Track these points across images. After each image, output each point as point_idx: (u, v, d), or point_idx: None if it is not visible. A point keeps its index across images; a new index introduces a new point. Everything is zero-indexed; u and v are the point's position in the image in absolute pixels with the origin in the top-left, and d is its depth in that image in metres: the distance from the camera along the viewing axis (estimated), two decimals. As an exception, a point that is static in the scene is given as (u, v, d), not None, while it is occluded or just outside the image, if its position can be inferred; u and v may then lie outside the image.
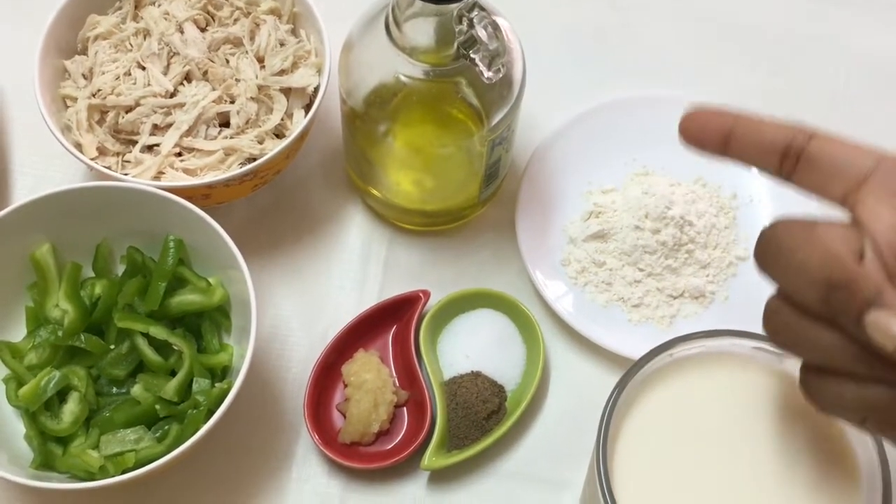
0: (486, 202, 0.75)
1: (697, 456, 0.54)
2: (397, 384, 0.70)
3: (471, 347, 0.70)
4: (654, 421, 0.54)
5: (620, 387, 0.54)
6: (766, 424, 0.54)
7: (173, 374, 0.66)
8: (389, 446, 0.68)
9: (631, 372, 0.54)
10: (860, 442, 0.53)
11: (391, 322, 0.72)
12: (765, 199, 0.76)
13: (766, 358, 0.56)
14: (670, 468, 0.53)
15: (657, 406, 0.55)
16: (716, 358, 0.56)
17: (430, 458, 0.66)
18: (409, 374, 0.70)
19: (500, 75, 0.62)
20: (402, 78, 0.64)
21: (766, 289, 0.72)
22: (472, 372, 0.69)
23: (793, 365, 0.55)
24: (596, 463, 0.52)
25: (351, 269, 0.74)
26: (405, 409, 0.69)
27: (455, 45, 0.62)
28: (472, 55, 0.61)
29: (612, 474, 0.52)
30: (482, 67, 0.61)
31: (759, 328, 0.55)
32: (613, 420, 0.53)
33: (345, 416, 0.68)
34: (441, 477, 0.68)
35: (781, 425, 0.54)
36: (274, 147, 0.69)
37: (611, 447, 0.53)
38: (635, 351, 0.69)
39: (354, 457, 0.67)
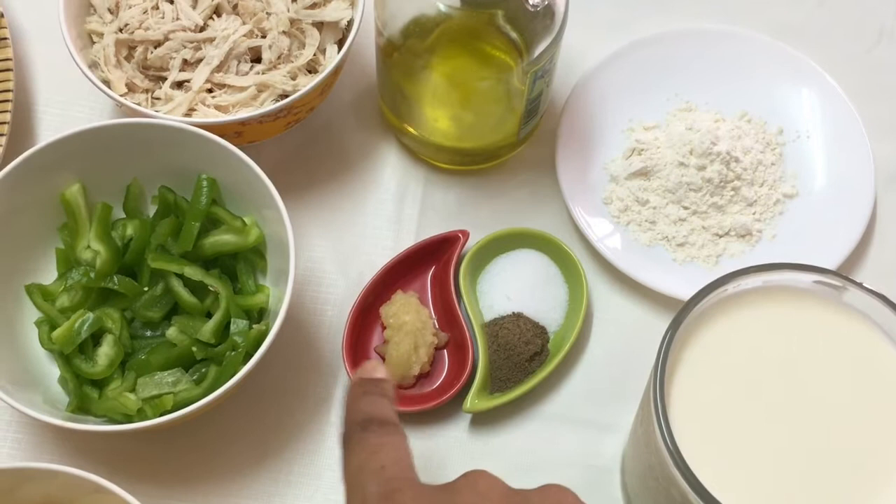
0: (525, 140, 0.73)
1: (757, 391, 0.52)
2: (437, 326, 0.68)
3: (512, 288, 0.69)
4: (711, 357, 0.53)
5: (676, 323, 0.52)
6: (826, 358, 0.53)
7: (209, 315, 0.64)
8: (430, 389, 0.67)
9: (688, 307, 0.53)
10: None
11: (429, 263, 0.70)
12: (813, 135, 0.73)
13: (826, 292, 0.54)
14: (729, 405, 0.52)
15: (714, 342, 0.53)
16: (774, 292, 0.54)
17: (473, 401, 0.64)
18: (449, 315, 0.68)
19: (546, 2, 0.60)
20: (442, 7, 0.61)
21: (815, 227, 0.71)
22: (514, 313, 0.68)
23: (852, 298, 0.53)
24: (653, 401, 0.51)
25: (386, 210, 0.72)
26: (445, 351, 0.68)
27: (499, -30, 0.59)
28: (516, -19, 0.59)
29: (669, 413, 0.51)
30: (527, -6, 0.59)
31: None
32: (670, 357, 0.52)
33: (384, 359, 0.67)
34: (483, 420, 0.66)
35: (841, 358, 0.53)
36: (307, 83, 0.67)
37: (667, 385, 0.52)
38: (680, 291, 0.67)
39: (395, 400, 0.65)
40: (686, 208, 0.70)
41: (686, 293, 0.63)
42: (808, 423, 0.51)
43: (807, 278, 0.54)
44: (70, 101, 0.74)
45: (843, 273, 0.69)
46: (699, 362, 0.53)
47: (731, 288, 0.54)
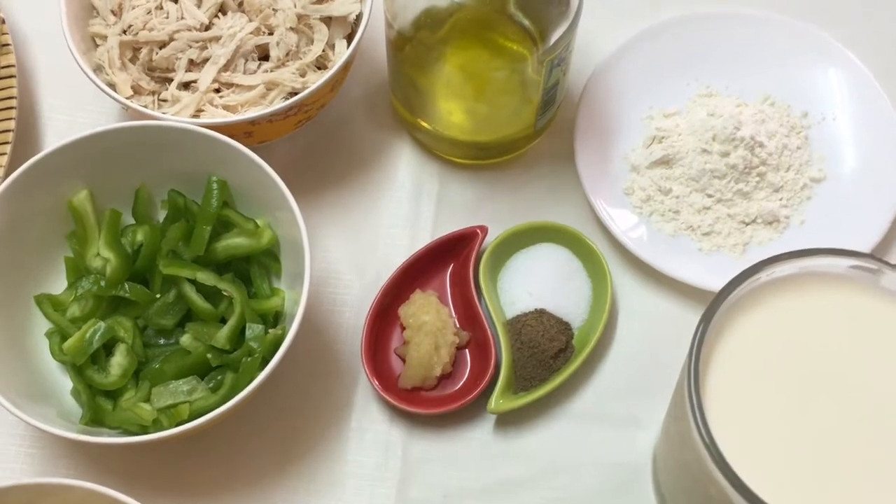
0: (542, 132, 0.71)
1: (795, 382, 0.50)
2: (458, 325, 0.66)
3: (533, 284, 0.67)
4: (746, 348, 0.51)
5: (709, 314, 0.50)
6: (865, 345, 0.51)
7: (223, 321, 0.62)
8: (453, 390, 0.65)
9: (720, 297, 0.51)
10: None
11: (447, 261, 0.68)
12: (839, 117, 0.71)
13: (863, 277, 0.52)
14: (766, 397, 0.50)
15: (749, 333, 0.51)
16: (808, 279, 0.52)
17: (497, 401, 0.63)
18: (469, 314, 0.66)
19: (561, -13, 0.58)
20: (454, -4, 0.60)
21: (845, 211, 0.69)
22: (536, 310, 0.66)
23: (890, 282, 0.51)
24: (688, 396, 0.49)
25: (402, 208, 0.70)
26: (467, 350, 0.66)
27: (512, -45, 0.57)
28: (530, -35, 0.57)
29: (705, 409, 0.49)
30: (542, -22, 0.57)
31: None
32: (703, 351, 0.50)
33: (404, 361, 0.65)
34: (508, 420, 0.64)
35: (881, 345, 0.51)
36: (317, 80, 0.65)
37: (702, 380, 0.50)
38: (707, 281, 0.66)
39: (417, 402, 0.64)
40: (710, 196, 0.68)
41: (713, 283, 0.62)
42: (850, 412, 0.49)
43: (843, 263, 0.52)
44: (75, 106, 0.73)
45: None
46: (734, 354, 0.51)
47: (764, 276, 0.52)
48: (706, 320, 0.50)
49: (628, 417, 0.64)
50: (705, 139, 0.68)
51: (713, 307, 0.50)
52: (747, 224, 0.68)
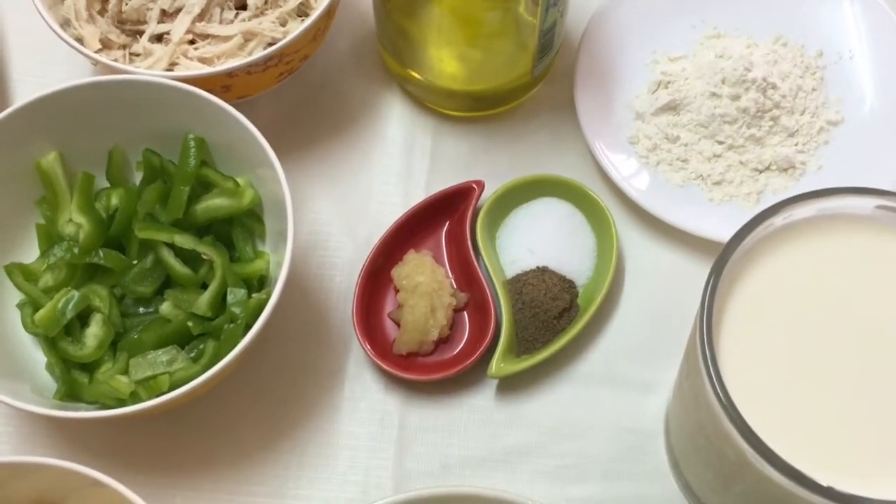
0: (540, 80, 0.67)
1: (815, 334, 0.46)
2: (455, 286, 0.63)
3: (534, 241, 0.63)
4: (761, 300, 0.47)
5: (720, 264, 0.47)
6: (891, 293, 0.47)
7: (204, 287, 0.59)
8: (451, 354, 0.61)
9: (732, 245, 0.47)
10: None
11: (443, 218, 0.65)
12: (856, 55, 0.67)
13: (890, 218, 0.48)
14: (785, 350, 0.46)
15: (764, 282, 0.48)
16: (829, 222, 0.48)
17: (498, 365, 0.59)
18: (467, 274, 0.62)
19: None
20: (440, -68, 0.56)
21: (864, 155, 0.64)
22: (538, 268, 0.62)
23: (920, 225, 0.47)
24: (701, 352, 0.45)
25: (393, 164, 0.67)
26: (465, 312, 0.62)
27: None
28: None
29: (719, 364, 0.45)
30: None
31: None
32: (716, 303, 0.46)
33: (399, 325, 0.61)
34: (511, 385, 0.61)
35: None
36: (298, 27, 0.61)
37: (715, 334, 0.46)
38: (718, 233, 0.62)
39: (413, 368, 0.60)
40: (721, 143, 0.64)
41: (726, 235, 0.57)
42: (876, 364, 0.45)
43: (867, 203, 0.48)
44: (46, 66, 0.69)
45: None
46: (748, 306, 0.47)
47: (779, 220, 0.48)
48: (718, 269, 0.46)
49: (637, 379, 0.61)
50: (714, 82, 0.64)
51: (725, 255, 0.46)
52: (761, 171, 0.64)
